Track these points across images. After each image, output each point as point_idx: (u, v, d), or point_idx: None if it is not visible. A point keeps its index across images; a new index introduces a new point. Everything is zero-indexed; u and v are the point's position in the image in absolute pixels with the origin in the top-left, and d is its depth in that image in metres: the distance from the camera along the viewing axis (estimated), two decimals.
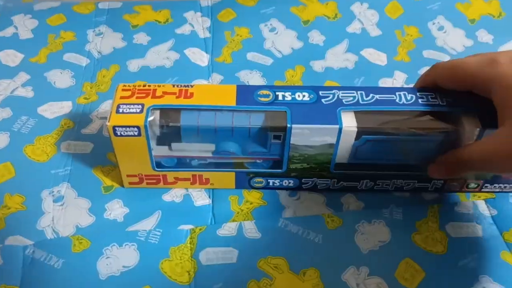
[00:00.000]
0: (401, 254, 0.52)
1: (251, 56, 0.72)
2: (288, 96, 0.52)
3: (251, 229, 0.53)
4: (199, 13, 0.77)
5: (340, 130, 0.50)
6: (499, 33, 0.76)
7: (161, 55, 0.71)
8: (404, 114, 0.51)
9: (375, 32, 0.76)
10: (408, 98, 0.52)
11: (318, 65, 0.71)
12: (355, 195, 0.57)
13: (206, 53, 0.72)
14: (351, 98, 0.52)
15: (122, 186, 0.56)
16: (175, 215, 0.54)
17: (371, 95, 0.52)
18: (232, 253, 0.51)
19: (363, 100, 0.51)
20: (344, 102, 0.51)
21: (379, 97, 0.52)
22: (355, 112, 0.51)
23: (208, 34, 0.74)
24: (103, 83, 0.67)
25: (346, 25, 0.76)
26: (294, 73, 0.70)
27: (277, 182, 0.56)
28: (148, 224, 0.53)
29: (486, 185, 0.56)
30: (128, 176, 0.55)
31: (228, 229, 0.53)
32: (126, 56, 0.71)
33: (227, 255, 0.51)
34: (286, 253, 0.51)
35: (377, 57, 0.72)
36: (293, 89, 0.53)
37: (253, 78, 0.69)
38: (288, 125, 0.49)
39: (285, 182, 0.56)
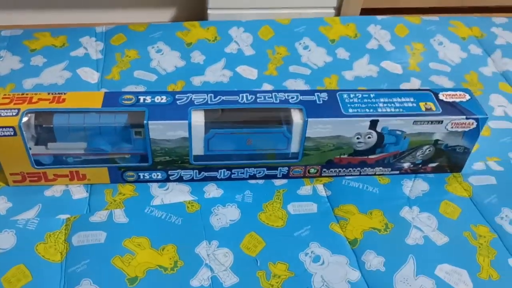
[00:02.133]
0: (247, 229, 0.61)
1: (137, 73, 0.82)
2: (149, 99, 0.61)
3: (119, 215, 0.61)
4: (93, 38, 0.87)
5: (189, 124, 0.59)
6: (354, 51, 0.90)
7: (54, 74, 0.79)
8: (252, 112, 0.62)
9: (249, 51, 0.88)
10: (249, 98, 0.63)
11: (197, 80, 0.81)
12: (216, 184, 0.66)
13: (97, 72, 0.81)
14: (202, 99, 0.62)
15: (8, 185, 0.64)
16: (54, 207, 0.62)
17: (218, 96, 0.62)
18: (100, 235, 0.59)
19: (211, 101, 0.62)
20: (195, 103, 0.61)
21: (225, 98, 0.62)
22: (207, 111, 0.61)
23: (100, 56, 0.84)
24: None
25: (224, 46, 0.88)
26: (175, 87, 0.80)
27: (146, 175, 0.65)
28: (28, 215, 0.61)
29: (324, 170, 0.67)
30: (11, 174, 0.63)
31: (99, 216, 0.61)
32: (21, 76, 0.79)
33: (96, 237, 0.59)
34: (149, 233, 0.60)
35: (250, 72, 0.84)
36: (154, 93, 0.62)
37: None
38: (145, 122, 0.59)
39: (154, 175, 0.65)
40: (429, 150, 0.66)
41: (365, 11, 0.99)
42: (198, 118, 0.60)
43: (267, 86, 0.82)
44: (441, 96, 0.65)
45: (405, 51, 0.91)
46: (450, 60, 0.91)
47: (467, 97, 0.66)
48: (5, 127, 0.57)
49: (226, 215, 0.62)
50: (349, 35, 0.92)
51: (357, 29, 0.93)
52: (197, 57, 0.86)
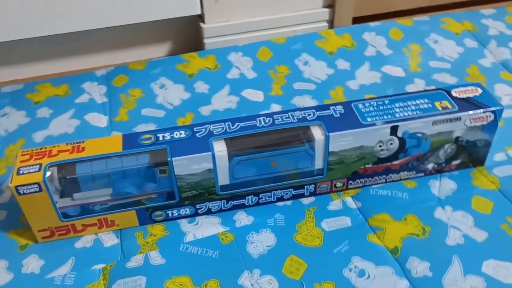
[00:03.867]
0: (286, 253, 0.60)
1: (145, 111, 0.81)
2: (168, 136, 0.61)
3: (155, 257, 0.60)
4: (95, 83, 0.86)
5: (213, 155, 0.59)
6: (354, 60, 0.90)
7: (63, 124, 0.79)
8: (271, 134, 0.62)
9: (251, 74, 0.88)
10: (267, 121, 0.62)
11: (205, 110, 0.81)
12: (245, 211, 0.66)
13: (105, 115, 0.81)
14: (220, 129, 0.62)
15: (37, 242, 0.62)
16: (87, 258, 0.61)
17: (236, 123, 0.62)
18: (140, 280, 0.58)
19: (230, 129, 0.62)
20: (215, 133, 0.61)
21: (243, 124, 0.62)
22: (227, 140, 0.61)
23: (105, 99, 0.83)
24: (11, 157, 0.74)
25: (226, 73, 0.88)
26: (185, 120, 0.80)
27: (175, 212, 0.64)
28: (63, 270, 0.59)
29: (350, 182, 0.67)
30: (39, 231, 0.61)
31: (135, 260, 0.60)
32: (31, 130, 0.78)
33: (136, 283, 0.58)
34: (189, 271, 0.59)
35: (255, 95, 0.84)
36: (172, 129, 0.62)
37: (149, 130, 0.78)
38: (169, 159, 0.58)
39: (182, 211, 0.64)
40: (451, 148, 0.66)
41: (357, 20, 1.00)
42: (220, 148, 0.60)
43: (275, 107, 0.82)
44: (454, 93, 0.66)
45: (403, 53, 0.92)
46: (449, 57, 0.92)
47: (479, 91, 0.66)
48: (30, 184, 0.56)
49: (262, 242, 0.62)
50: (346, 46, 0.93)
51: (352, 38, 0.94)
52: (201, 87, 0.86)
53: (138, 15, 0.86)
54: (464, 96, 0.65)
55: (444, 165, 0.68)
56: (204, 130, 0.62)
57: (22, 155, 0.59)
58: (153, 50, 0.97)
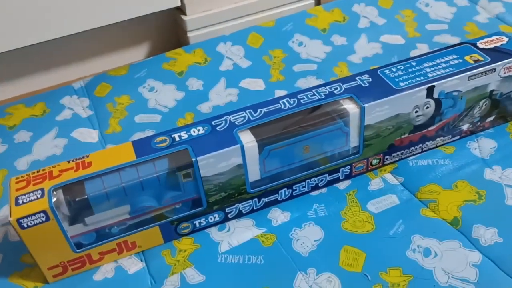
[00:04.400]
0: (338, 245, 0.53)
1: (138, 118, 0.72)
2: (185, 135, 0.53)
3: (193, 275, 0.52)
4: (75, 96, 0.77)
5: (242, 147, 0.51)
6: (349, 34, 0.85)
7: (48, 146, 0.69)
8: (297, 116, 0.55)
9: (245, 63, 0.81)
10: (291, 102, 0.56)
11: (205, 107, 0.73)
12: (279, 208, 0.58)
13: (94, 129, 0.71)
14: (242, 118, 0.54)
15: (47, 282, 0.53)
16: None
17: (258, 110, 0.55)
18: None
19: (252, 116, 0.54)
20: (237, 124, 0.54)
21: (266, 109, 0.55)
22: (251, 129, 0.54)
23: (90, 112, 0.74)
24: None
25: (218, 65, 0.80)
26: (186, 121, 0.71)
27: (203, 221, 0.56)
28: None
29: (386, 157, 0.61)
30: (49, 269, 0.52)
31: (171, 283, 0.51)
32: (11, 158, 0.68)
33: None
34: (235, 284, 0.51)
35: (256, 84, 0.77)
36: (187, 127, 0.54)
37: None
38: (194, 159, 0.50)
39: (211, 218, 0.56)
40: (486, 104, 0.62)
41: None
42: (247, 138, 0.52)
43: (280, 92, 0.75)
44: (480, 45, 0.61)
45: (397, 21, 0.88)
46: (444, 18, 0.88)
47: (505, 39, 0.62)
48: (34, 214, 0.47)
49: (308, 237, 0.54)
50: (338, 20, 0.88)
51: (343, 12, 0.89)
52: (194, 83, 0.78)
53: (111, 15, 0.77)
54: (492, 46, 0.61)
55: (478, 124, 0.63)
56: (224, 122, 0.54)
57: (16, 182, 0.50)
58: (132, 54, 0.88)
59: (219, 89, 0.77)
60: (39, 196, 0.48)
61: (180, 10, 0.83)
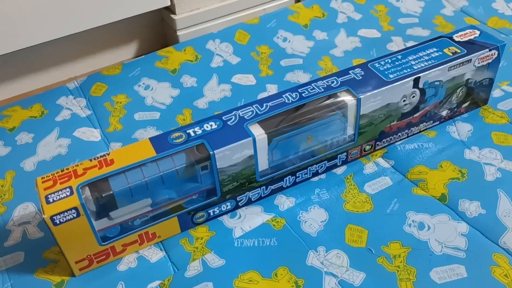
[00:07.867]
0: (342, 224, 0.59)
1: (138, 116, 0.75)
2: (199, 130, 0.57)
3: (213, 259, 0.56)
4: (71, 96, 0.79)
5: (254, 140, 0.56)
6: (329, 29, 0.90)
7: (52, 146, 0.71)
8: (298, 109, 0.60)
9: (235, 60, 0.85)
10: (294, 96, 0.60)
11: (201, 103, 0.77)
12: (284, 194, 0.63)
13: (95, 128, 0.74)
14: (250, 113, 0.58)
15: (74, 276, 0.55)
16: (138, 280, 0.55)
17: (264, 104, 0.59)
18: (207, 286, 0.54)
19: (260, 111, 0.59)
20: (246, 118, 0.58)
21: (271, 104, 0.59)
22: (259, 123, 0.58)
23: (89, 112, 0.76)
24: (5, 192, 0.65)
25: (209, 62, 0.84)
26: (184, 117, 0.75)
27: (216, 210, 0.60)
28: None
29: (377, 143, 0.67)
30: (77, 262, 0.54)
31: (193, 268, 0.55)
32: (16, 159, 0.69)
33: None
34: (253, 265, 0.55)
35: (247, 79, 0.81)
36: (200, 123, 0.58)
37: (150, 134, 0.72)
38: (211, 152, 0.54)
39: (223, 207, 0.60)
40: (462, 91, 0.69)
41: None
42: (258, 131, 0.57)
43: (271, 86, 0.79)
44: (456, 38, 0.68)
45: (372, 16, 0.94)
46: (414, 12, 0.95)
47: (477, 32, 0.69)
48: (67, 210, 0.49)
49: (315, 219, 0.60)
50: (318, 16, 0.93)
51: (322, 8, 0.94)
52: (188, 80, 0.81)
53: (103, 17, 0.79)
54: (466, 39, 0.68)
55: (455, 109, 0.70)
56: (234, 117, 0.58)
57: (43, 181, 0.52)
58: (122, 53, 0.90)
59: (212, 85, 0.80)
60: (68, 193, 0.50)
61: (169, 10, 0.86)
